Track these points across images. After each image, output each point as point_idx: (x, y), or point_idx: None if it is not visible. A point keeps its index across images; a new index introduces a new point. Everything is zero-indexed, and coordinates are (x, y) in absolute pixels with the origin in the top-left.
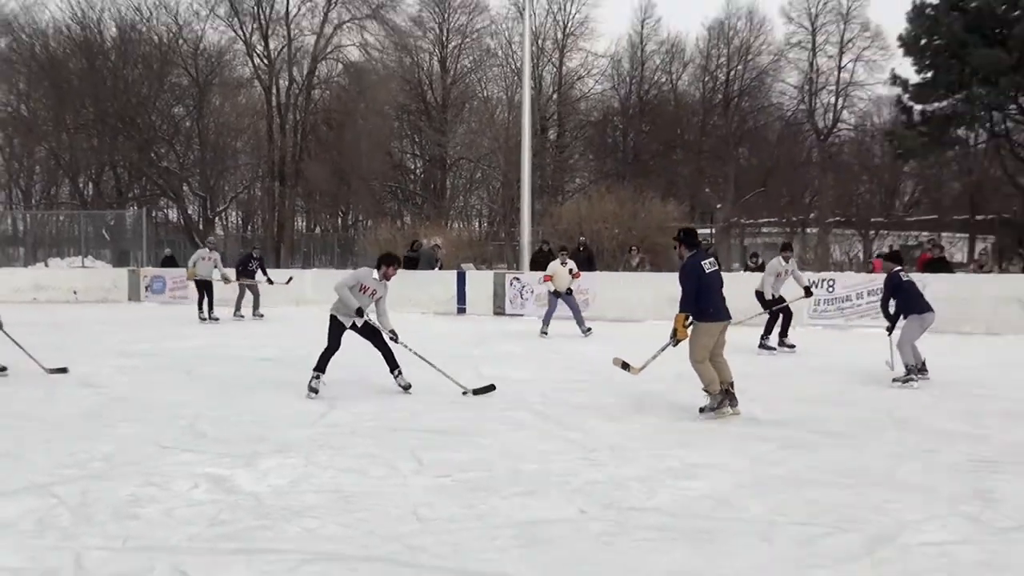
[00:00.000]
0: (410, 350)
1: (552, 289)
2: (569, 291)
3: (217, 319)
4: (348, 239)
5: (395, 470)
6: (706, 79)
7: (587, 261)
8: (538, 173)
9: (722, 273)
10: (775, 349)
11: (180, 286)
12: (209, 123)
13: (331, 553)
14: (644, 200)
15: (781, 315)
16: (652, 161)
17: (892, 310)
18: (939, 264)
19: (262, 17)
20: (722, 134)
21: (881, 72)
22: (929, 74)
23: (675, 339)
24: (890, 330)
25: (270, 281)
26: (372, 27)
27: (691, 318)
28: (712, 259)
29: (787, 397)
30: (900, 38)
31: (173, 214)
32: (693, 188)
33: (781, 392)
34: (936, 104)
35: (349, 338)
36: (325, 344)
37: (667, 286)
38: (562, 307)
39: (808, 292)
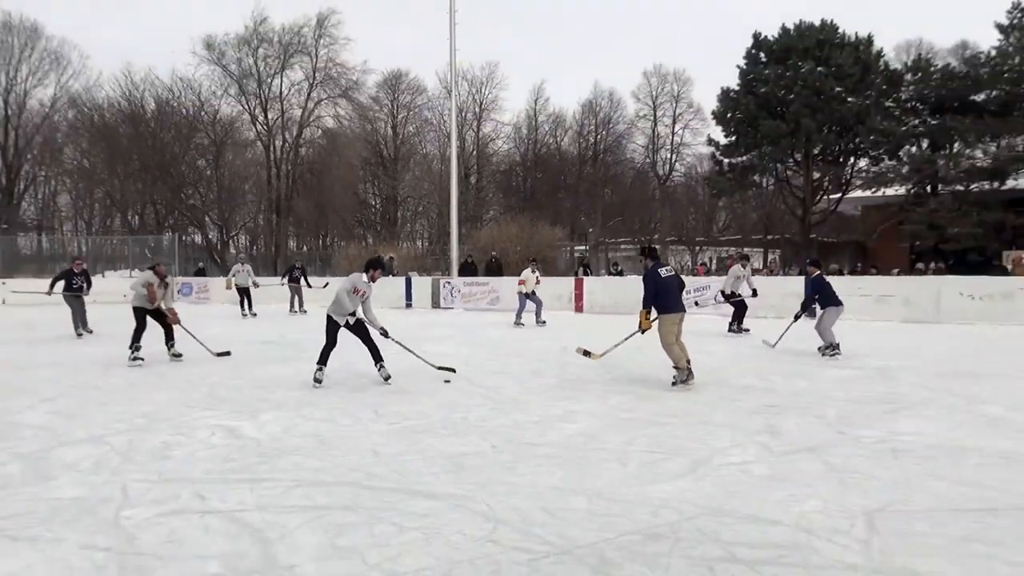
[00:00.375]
0: (398, 343)
1: (523, 291)
2: (533, 292)
3: (255, 315)
4: (327, 255)
5: (358, 420)
6: (580, 141)
7: (497, 269)
8: (463, 207)
9: (681, 277)
10: (739, 332)
11: (203, 290)
12: (224, 172)
13: (312, 480)
14: (538, 226)
15: (737, 307)
16: (543, 198)
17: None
18: None
19: (262, 96)
20: (592, 180)
21: (701, 136)
22: (733, 138)
23: (640, 329)
24: (798, 317)
25: (309, 285)
26: (343, 103)
27: (654, 312)
28: (668, 267)
29: (641, 363)
30: (713, 113)
31: (198, 238)
32: (572, 217)
33: (637, 359)
34: (739, 158)
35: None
36: (324, 340)
37: (552, 286)
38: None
39: (755, 293)
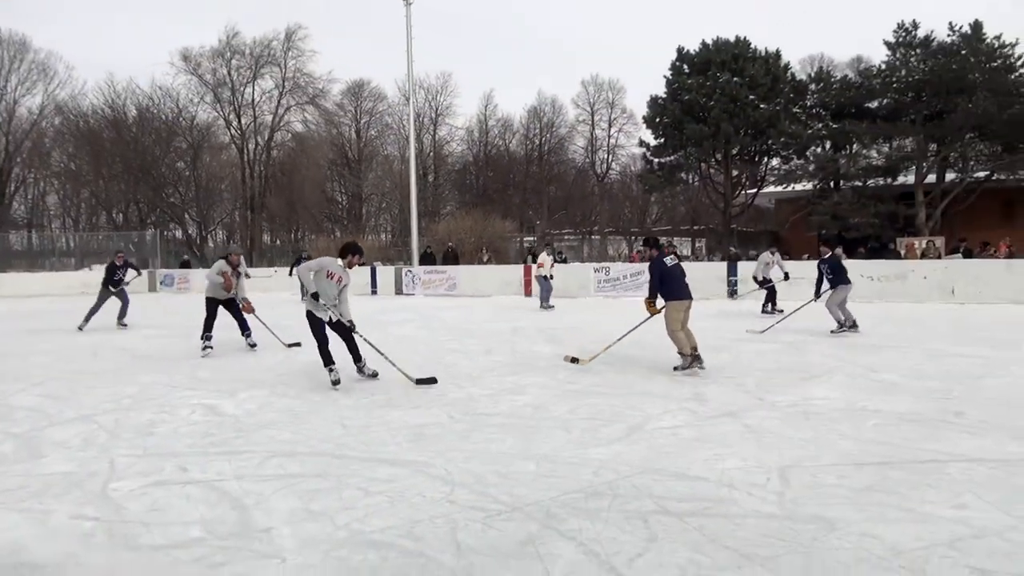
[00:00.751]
0: (366, 341)
1: (542, 274)
2: (551, 276)
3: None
4: (298, 248)
5: (328, 396)
6: (526, 143)
7: (454, 258)
8: (422, 203)
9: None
10: (773, 313)
11: (183, 280)
12: (201, 173)
13: (286, 451)
14: (490, 219)
15: (769, 292)
16: (495, 195)
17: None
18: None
19: (236, 103)
20: (538, 178)
21: (634, 138)
22: (662, 139)
23: (649, 317)
24: (818, 296)
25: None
26: (310, 110)
27: (660, 300)
28: (673, 256)
29: (584, 340)
30: (644, 118)
31: (179, 234)
32: (521, 211)
33: (578, 337)
34: (667, 158)
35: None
36: (315, 340)
37: (503, 273)
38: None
39: (786, 276)
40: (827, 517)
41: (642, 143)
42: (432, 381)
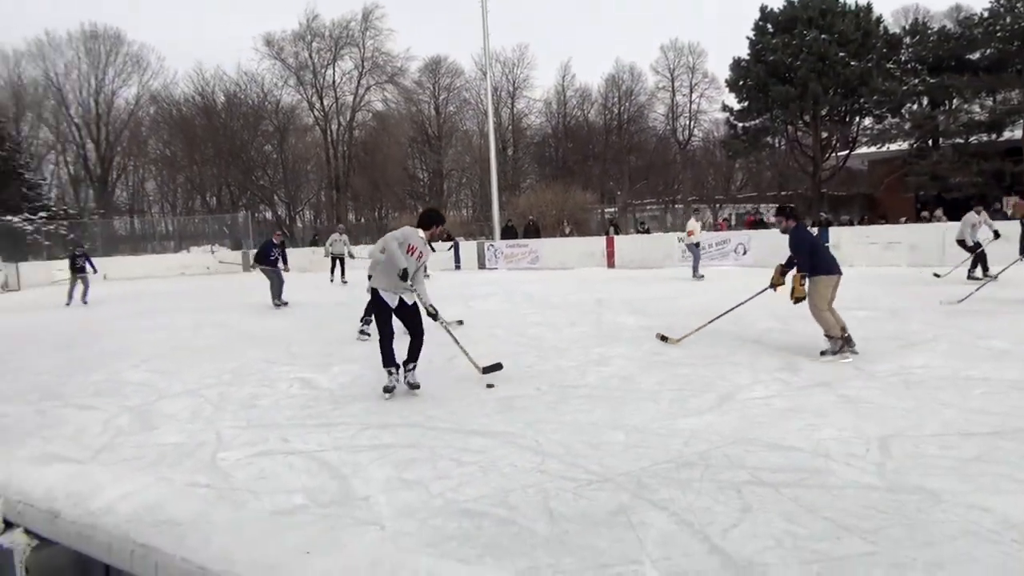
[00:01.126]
0: (448, 332)
1: (691, 241)
2: (699, 243)
3: (346, 282)
4: (383, 225)
5: (419, 373)
6: (605, 112)
7: (535, 231)
8: (502, 177)
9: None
10: (981, 279)
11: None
12: (288, 155)
13: (379, 423)
14: (570, 192)
15: (979, 256)
16: (574, 166)
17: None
18: (759, 224)
19: (318, 85)
20: (617, 147)
21: (716, 103)
22: (746, 103)
23: (794, 297)
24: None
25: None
26: (390, 88)
27: (805, 275)
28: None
29: (672, 310)
30: (727, 81)
31: (268, 215)
32: (601, 182)
33: (669, 307)
34: (751, 122)
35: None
36: (378, 332)
37: (585, 245)
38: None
39: (996, 235)
40: (931, 488)
41: (725, 108)
42: (498, 367)
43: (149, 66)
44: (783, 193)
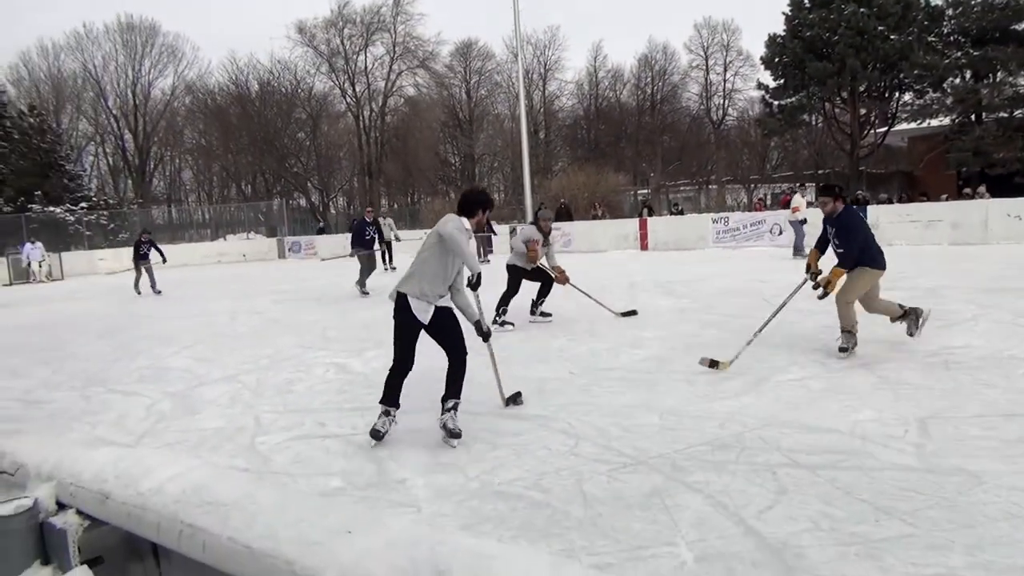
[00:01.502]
0: (490, 352)
1: (797, 218)
2: (805, 220)
3: (395, 268)
4: (415, 211)
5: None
6: (638, 93)
7: (567, 214)
8: (534, 160)
9: None
10: None
11: (309, 247)
12: (321, 142)
13: (413, 407)
14: (603, 174)
15: None
16: (607, 148)
17: None
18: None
19: (350, 72)
20: (650, 128)
21: (751, 81)
22: (781, 81)
23: (824, 291)
24: None
25: (495, 233)
26: (421, 73)
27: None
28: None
29: (707, 292)
30: (762, 59)
31: (303, 202)
32: (634, 164)
33: (704, 288)
34: (787, 100)
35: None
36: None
37: (618, 227)
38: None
39: None
40: (972, 470)
41: (760, 85)
42: (517, 398)
43: (184, 56)
44: (820, 172)
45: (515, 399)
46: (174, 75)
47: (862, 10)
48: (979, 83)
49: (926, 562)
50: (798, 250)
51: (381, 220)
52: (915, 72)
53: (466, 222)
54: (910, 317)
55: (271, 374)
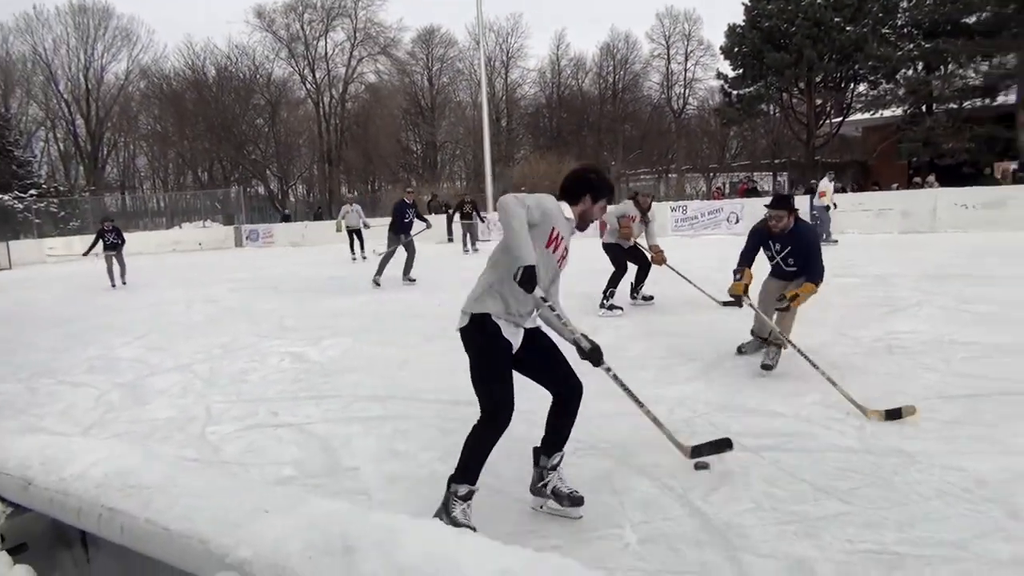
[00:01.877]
0: (622, 386)
1: (823, 204)
2: (834, 205)
3: (366, 258)
4: (376, 199)
5: (408, 344)
6: (600, 81)
7: None
8: (495, 148)
9: None
10: None
11: (267, 235)
12: (280, 129)
13: (369, 396)
14: (565, 162)
15: None
16: (569, 136)
17: None
18: (752, 192)
19: (310, 57)
20: (612, 117)
21: (711, 71)
22: (740, 70)
23: (788, 307)
24: None
25: (483, 219)
26: (382, 60)
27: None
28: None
29: (659, 283)
30: (721, 48)
31: (261, 189)
32: (596, 153)
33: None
34: (746, 89)
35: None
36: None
37: None
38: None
39: None
40: (908, 451)
41: (720, 75)
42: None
43: (139, 40)
44: (777, 161)
45: (716, 448)
46: (128, 59)
47: (819, 1)
48: (930, 75)
49: (861, 539)
50: (827, 235)
51: (348, 207)
52: (869, 63)
53: (567, 208)
54: (776, 348)
55: (225, 363)
